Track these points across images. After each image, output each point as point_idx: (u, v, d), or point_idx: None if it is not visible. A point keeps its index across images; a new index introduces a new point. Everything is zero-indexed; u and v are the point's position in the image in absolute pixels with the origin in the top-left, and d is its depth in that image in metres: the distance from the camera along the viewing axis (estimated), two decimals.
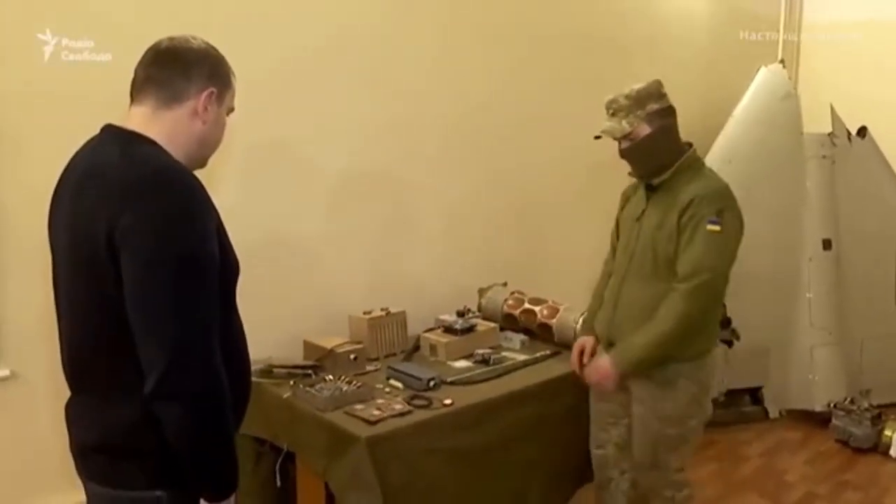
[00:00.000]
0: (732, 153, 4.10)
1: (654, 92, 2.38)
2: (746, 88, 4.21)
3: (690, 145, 2.45)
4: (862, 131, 4.23)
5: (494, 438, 2.45)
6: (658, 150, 2.38)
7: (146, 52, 1.53)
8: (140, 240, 1.31)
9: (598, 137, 2.42)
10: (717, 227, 2.27)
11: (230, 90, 1.58)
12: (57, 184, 1.57)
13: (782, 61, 4.37)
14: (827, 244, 4.14)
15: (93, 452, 1.47)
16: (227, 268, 1.47)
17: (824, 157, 4.15)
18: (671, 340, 2.30)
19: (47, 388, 2.33)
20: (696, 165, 2.43)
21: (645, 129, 2.36)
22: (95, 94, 2.21)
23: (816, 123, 4.22)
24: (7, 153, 2.25)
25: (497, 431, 2.45)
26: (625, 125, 2.36)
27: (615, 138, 2.41)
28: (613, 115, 2.39)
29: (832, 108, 4.16)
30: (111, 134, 1.51)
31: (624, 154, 2.43)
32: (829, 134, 4.17)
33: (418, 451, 2.26)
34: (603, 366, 2.40)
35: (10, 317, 2.27)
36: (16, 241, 2.27)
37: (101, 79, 2.24)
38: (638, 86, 2.38)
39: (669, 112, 2.40)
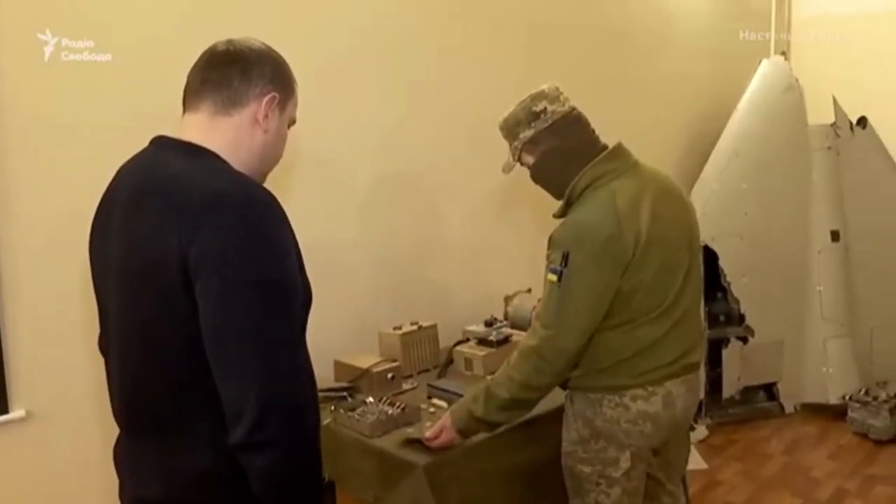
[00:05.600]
0: (739, 146, 4.07)
1: (524, 116, 1.96)
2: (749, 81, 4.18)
3: (598, 153, 1.94)
4: (862, 121, 4.21)
5: (547, 455, 2.31)
6: (555, 174, 1.97)
7: (202, 55, 1.37)
8: (220, 264, 1.15)
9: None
10: (553, 277, 1.83)
11: (293, 98, 1.43)
12: (101, 204, 1.39)
13: (783, 53, 4.34)
14: (835, 236, 4.13)
15: None
16: (305, 294, 1.32)
17: (829, 148, 4.14)
18: (508, 404, 1.96)
19: (67, 428, 2.15)
20: (595, 185, 1.90)
21: (529, 159, 2.01)
22: (95, 94, 2.17)
23: (813, 115, 4.19)
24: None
25: (550, 448, 2.32)
26: (511, 157, 2.05)
27: (506, 173, 2.10)
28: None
29: (834, 99, 4.14)
30: (166, 146, 1.34)
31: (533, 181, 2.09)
32: (832, 125, 4.15)
33: (474, 474, 2.12)
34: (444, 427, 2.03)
35: (23, 352, 2.06)
36: (26, 265, 2.07)
37: (101, 79, 2.16)
38: (507, 111, 2.02)
39: (553, 130, 1.94)
